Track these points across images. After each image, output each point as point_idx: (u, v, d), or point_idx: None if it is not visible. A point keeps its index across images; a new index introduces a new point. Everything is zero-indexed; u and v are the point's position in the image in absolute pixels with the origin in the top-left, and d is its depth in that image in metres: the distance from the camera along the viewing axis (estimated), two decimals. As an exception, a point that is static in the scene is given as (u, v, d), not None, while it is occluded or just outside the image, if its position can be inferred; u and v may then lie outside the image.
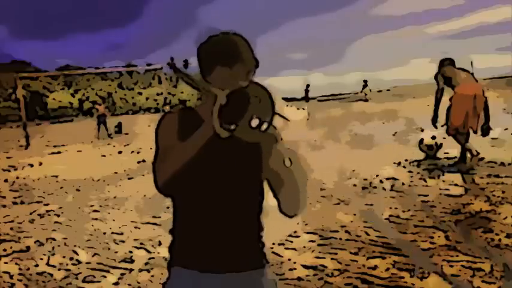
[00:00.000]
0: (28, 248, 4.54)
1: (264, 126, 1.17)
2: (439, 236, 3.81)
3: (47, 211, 6.09)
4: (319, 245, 3.88)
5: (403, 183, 5.88)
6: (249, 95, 1.16)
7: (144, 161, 9.93)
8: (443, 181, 5.82)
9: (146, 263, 3.78)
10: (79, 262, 3.99)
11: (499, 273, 3.04)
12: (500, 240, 3.60)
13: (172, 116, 1.41)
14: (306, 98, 31.40)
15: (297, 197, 1.35)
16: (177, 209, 1.44)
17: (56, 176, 9.14)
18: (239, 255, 1.39)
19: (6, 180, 9.22)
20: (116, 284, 3.46)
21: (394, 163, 7.27)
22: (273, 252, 3.62)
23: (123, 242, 4.46)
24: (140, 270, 3.64)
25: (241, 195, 1.39)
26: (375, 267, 3.30)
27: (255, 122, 1.16)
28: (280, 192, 1.36)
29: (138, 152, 11.91)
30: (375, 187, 5.80)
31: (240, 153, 1.34)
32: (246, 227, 1.42)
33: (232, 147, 1.31)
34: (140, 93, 57.03)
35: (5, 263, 4.17)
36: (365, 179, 6.25)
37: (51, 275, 3.75)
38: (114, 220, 5.34)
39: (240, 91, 1.15)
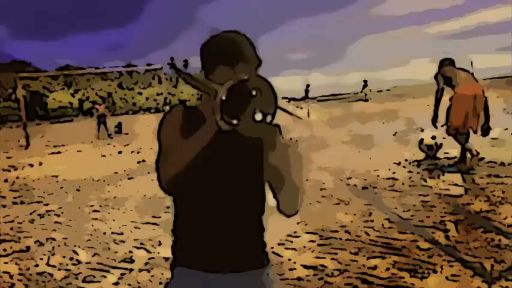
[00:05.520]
0: (28, 248, 4.54)
1: (268, 118, 1.15)
2: (439, 236, 3.81)
3: (47, 211, 6.08)
4: (319, 245, 3.87)
5: (403, 183, 5.88)
6: (250, 88, 1.14)
7: (144, 161, 9.94)
8: (443, 181, 5.82)
9: (146, 263, 3.77)
10: (79, 262, 3.99)
11: (499, 273, 3.03)
12: (500, 240, 3.60)
13: (174, 115, 1.40)
14: (306, 98, 31.37)
15: (296, 194, 1.33)
16: (178, 209, 1.43)
17: (56, 176, 9.14)
18: (241, 255, 1.39)
19: (6, 180, 9.22)
20: (116, 284, 3.45)
21: (394, 163, 7.28)
22: (273, 252, 3.62)
23: (123, 242, 4.45)
24: (140, 270, 3.63)
25: (243, 194, 1.39)
26: (375, 267, 3.29)
27: (258, 116, 1.15)
28: (280, 190, 1.33)
29: (138, 152, 11.91)
30: (375, 187, 5.80)
31: (242, 152, 1.33)
32: (249, 226, 1.42)
33: (235, 146, 1.31)
34: (140, 93, 57.12)
35: (5, 263, 4.16)
36: (365, 179, 6.26)
37: (51, 275, 3.75)
38: (114, 220, 5.33)
39: (240, 85, 1.13)
